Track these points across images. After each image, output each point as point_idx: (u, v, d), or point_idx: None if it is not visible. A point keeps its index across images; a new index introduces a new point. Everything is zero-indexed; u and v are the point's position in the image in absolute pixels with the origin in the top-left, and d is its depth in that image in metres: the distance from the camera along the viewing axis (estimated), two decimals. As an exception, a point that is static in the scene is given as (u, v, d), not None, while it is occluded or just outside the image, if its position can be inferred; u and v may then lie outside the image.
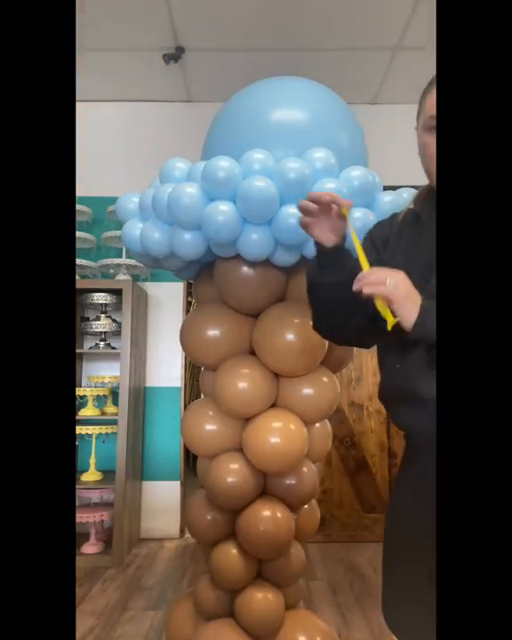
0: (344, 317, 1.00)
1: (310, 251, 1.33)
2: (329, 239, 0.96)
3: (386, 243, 1.04)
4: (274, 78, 1.55)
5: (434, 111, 0.87)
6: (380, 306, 0.84)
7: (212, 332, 1.47)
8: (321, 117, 1.44)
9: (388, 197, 1.38)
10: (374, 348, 1.05)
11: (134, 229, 1.46)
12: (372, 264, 1.02)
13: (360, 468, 2.91)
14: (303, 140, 1.38)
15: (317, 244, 0.98)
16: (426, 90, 0.94)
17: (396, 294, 0.82)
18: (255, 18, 2.44)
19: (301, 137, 1.39)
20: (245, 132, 1.43)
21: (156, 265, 1.57)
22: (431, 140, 0.89)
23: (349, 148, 1.46)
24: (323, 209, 0.93)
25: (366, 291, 0.83)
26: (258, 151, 1.32)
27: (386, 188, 1.42)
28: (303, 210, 0.95)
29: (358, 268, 0.92)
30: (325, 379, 1.47)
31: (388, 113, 3.09)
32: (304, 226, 0.97)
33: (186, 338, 1.53)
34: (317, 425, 1.56)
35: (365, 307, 0.97)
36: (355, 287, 0.84)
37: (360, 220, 1.28)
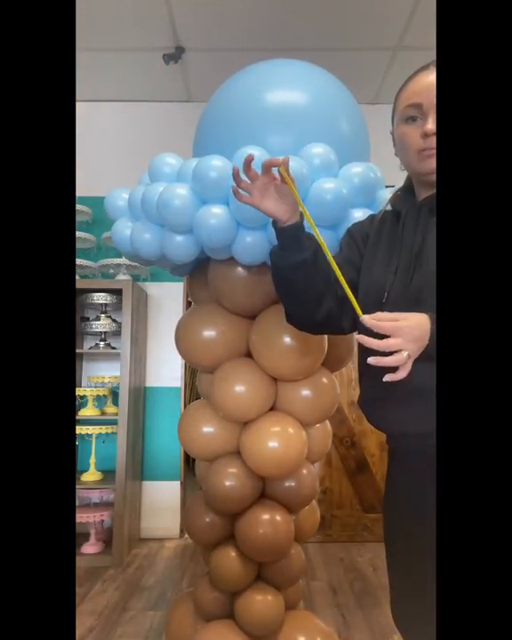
0: (314, 300, 0.95)
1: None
2: (283, 212, 0.90)
3: (365, 238, 1.03)
4: (266, 61, 1.45)
5: (409, 100, 0.91)
6: (349, 295, 0.79)
7: (208, 334, 1.43)
8: (319, 100, 1.35)
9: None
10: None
11: (124, 229, 1.40)
12: (352, 259, 1.02)
13: (360, 468, 2.91)
14: (301, 126, 1.30)
15: (275, 223, 0.93)
16: (399, 90, 0.96)
17: (416, 352, 0.75)
18: (255, 18, 2.44)
19: (299, 122, 1.31)
20: (238, 120, 1.35)
21: (150, 263, 1.53)
22: (407, 128, 0.91)
23: (351, 135, 1.39)
24: (260, 176, 0.88)
25: (398, 376, 0.73)
26: (252, 148, 1.24)
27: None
28: (237, 181, 0.90)
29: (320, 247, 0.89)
30: (325, 380, 1.45)
31: (387, 113, 3.04)
32: (249, 202, 0.91)
33: (181, 339, 1.50)
34: (317, 425, 1.55)
35: (335, 286, 0.95)
36: (372, 362, 0.73)
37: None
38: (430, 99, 0.88)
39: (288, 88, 1.37)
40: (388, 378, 0.74)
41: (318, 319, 0.98)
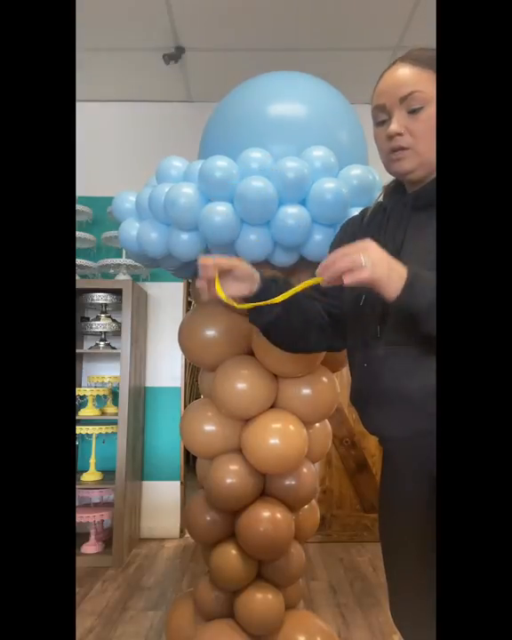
0: (296, 339, 1.03)
1: (309, 251, 1.34)
2: (243, 290, 0.93)
3: (353, 237, 1.04)
4: (271, 73, 1.53)
5: (375, 102, 0.92)
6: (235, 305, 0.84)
7: (211, 333, 1.45)
8: (320, 112, 1.42)
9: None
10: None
11: (131, 229, 1.45)
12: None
13: (360, 468, 2.91)
14: (302, 136, 1.36)
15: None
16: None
17: (380, 275, 0.72)
18: (255, 18, 2.44)
19: (300, 132, 1.37)
20: (242, 128, 1.41)
21: (154, 264, 1.57)
22: (377, 131, 0.93)
23: (349, 144, 1.44)
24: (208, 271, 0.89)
25: (347, 281, 0.73)
26: (255, 150, 1.30)
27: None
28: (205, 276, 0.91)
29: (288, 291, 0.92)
30: (325, 379, 1.46)
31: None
32: (212, 296, 0.91)
33: (184, 338, 1.52)
34: (317, 424, 1.55)
35: (319, 317, 1.01)
36: (325, 279, 0.76)
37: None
38: (392, 97, 0.88)
39: (290, 100, 1.43)
40: (325, 279, 0.76)
41: (307, 350, 1.11)
